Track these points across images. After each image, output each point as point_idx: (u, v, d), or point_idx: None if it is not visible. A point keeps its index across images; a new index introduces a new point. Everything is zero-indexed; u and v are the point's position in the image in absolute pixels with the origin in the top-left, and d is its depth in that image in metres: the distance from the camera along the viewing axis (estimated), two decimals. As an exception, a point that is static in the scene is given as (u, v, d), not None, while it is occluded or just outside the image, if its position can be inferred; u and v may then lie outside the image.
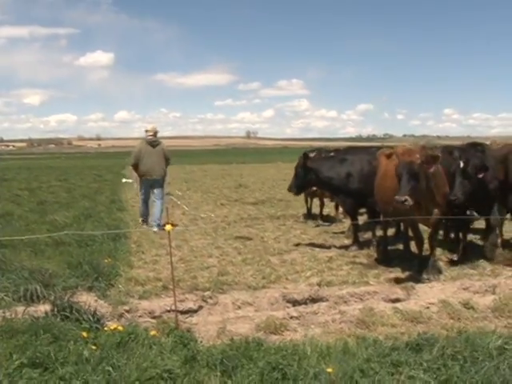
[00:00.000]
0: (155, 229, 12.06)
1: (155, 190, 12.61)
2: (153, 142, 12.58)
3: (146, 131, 12.76)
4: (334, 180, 10.04)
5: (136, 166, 12.80)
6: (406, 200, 6.85)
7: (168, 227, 6.27)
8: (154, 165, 12.48)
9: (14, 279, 6.86)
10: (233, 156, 75.82)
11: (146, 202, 12.81)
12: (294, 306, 6.79)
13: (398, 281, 7.50)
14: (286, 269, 8.40)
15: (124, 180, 14.00)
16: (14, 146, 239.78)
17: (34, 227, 11.61)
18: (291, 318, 6.33)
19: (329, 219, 13.54)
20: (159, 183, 12.68)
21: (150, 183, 12.61)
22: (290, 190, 10.50)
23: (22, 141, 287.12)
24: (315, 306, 6.65)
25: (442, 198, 7.77)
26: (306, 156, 10.21)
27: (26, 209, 15.13)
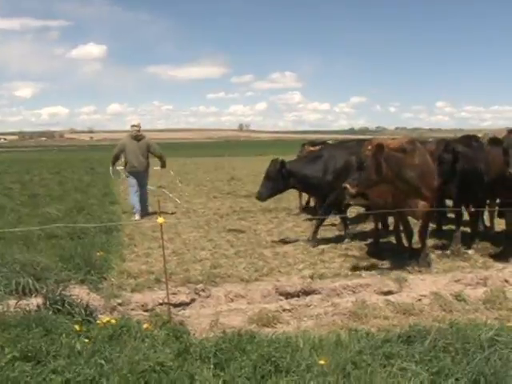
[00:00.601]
0: (137, 217, 12.92)
1: (140, 180, 13.34)
2: (137, 136, 13.31)
3: (132, 126, 13.53)
4: (311, 179, 10.01)
5: (116, 159, 13.71)
6: (345, 188, 7.31)
7: (160, 220, 6.26)
8: (136, 157, 13.20)
9: (5, 272, 6.81)
10: (225, 149, 75.68)
11: (136, 193, 13.35)
12: (286, 298, 6.80)
13: (390, 273, 7.52)
14: (278, 261, 8.42)
15: (112, 169, 14.31)
16: (5, 139, 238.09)
17: (25, 220, 11.59)
18: (284, 310, 6.34)
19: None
20: (143, 174, 13.42)
21: (135, 175, 13.30)
22: (259, 197, 10.26)
23: (13, 134, 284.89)
24: (308, 299, 6.67)
25: (428, 190, 7.81)
26: (281, 162, 10.07)
27: (17, 202, 15.08)
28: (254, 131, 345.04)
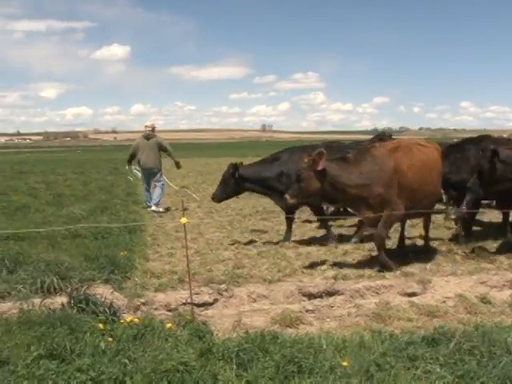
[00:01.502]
0: (153, 208, 13.90)
1: (152, 177, 14.31)
2: (148, 135, 14.32)
3: (145, 126, 14.58)
4: (265, 183, 10.05)
5: (131, 158, 14.64)
6: (285, 198, 7.83)
7: (183, 220, 6.30)
8: (147, 156, 14.13)
9: (31, 271, 6.93)
10: (248, 149, 75.65)
11: (147, 189, 14.42)
12: (309, 299, 6.79)
13: (413, 275, 7.46)
14: (301, 262, 8.40)
15: (128, 168, 14.88)
16: (30, 139, 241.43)
17: (50, 220, 11.70)
18: (307, 311, 6.33)
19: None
20: (155, 171, 14.27)
21: (148, 172, 14.29)
22: (214, 199, 10.55)
23: (38, 134, 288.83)
24: (331, 300, 6.65)
25: (378, 197, 7.74)
26: (235, 166, 10.18)
27: (42, 201, 15.25)
28: (276, 131, 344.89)
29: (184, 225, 6.21)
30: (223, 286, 6.93)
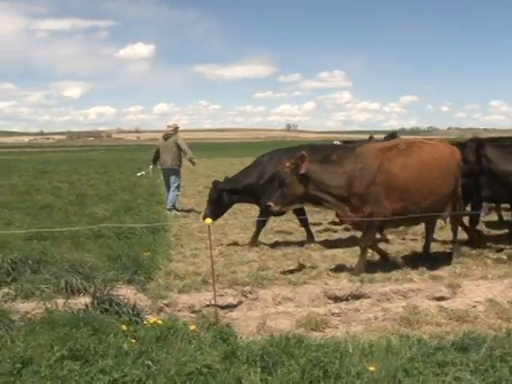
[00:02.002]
0: (168, 212, 13.91)
1: (170, 178, 14.43)
2: (166, 135, 14.53)
3: (167, 126, 14.81)
4: (252, 188, 10.08)
5: (155, 158, 14.83)
6: (269, 205, 7.69)
7: (207, 221, 6.31)
8: (165, 155, 14.33)
9: (54, 271, 6.96)
10: (273, 149, 75.53)
11: (168, 190, 14.54)
12: (335, 302, 6.73)
13: (442, 278, 7.37)
14: (327, 264, 8.35)
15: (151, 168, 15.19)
16: (53, 139, 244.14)
17: (73, 219, 11.83)
18: (332, 314, 6.29)
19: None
20: (172, 172, 14.43)
21: (167, 172, 14.50)
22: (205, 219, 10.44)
23: (61, 133, 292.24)
24: (357, 303, 6.60)
25: (362, 197, 7.66)
26: (217, 183, 10.37)
27: (65, 201, 15.41)
28: (301, 131, 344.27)
29: (208, 225, 6.21)
30: (247, 288, 6.90)
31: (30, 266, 7.26)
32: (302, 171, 7.48)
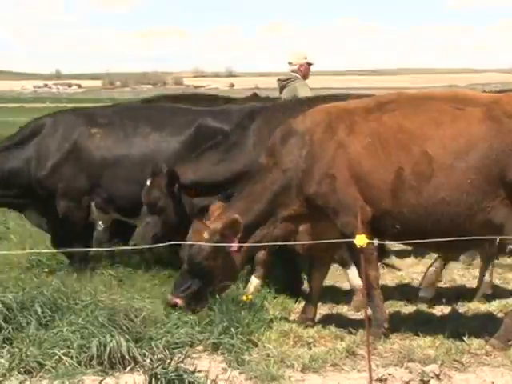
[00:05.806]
0: None
1: None
2: None
3: None
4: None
5: None
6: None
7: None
8: None
9: (80, 325, 4.56)
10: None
11: None
12: None
13: None
14: None
15: None
16: (78, 86, 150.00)
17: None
18: None
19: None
20: None
21: None
22: None
23: (93, 76, 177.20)
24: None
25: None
26: None
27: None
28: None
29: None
30: (433, 368, 4.20)
31: (36, 314, 4.82)
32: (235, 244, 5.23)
